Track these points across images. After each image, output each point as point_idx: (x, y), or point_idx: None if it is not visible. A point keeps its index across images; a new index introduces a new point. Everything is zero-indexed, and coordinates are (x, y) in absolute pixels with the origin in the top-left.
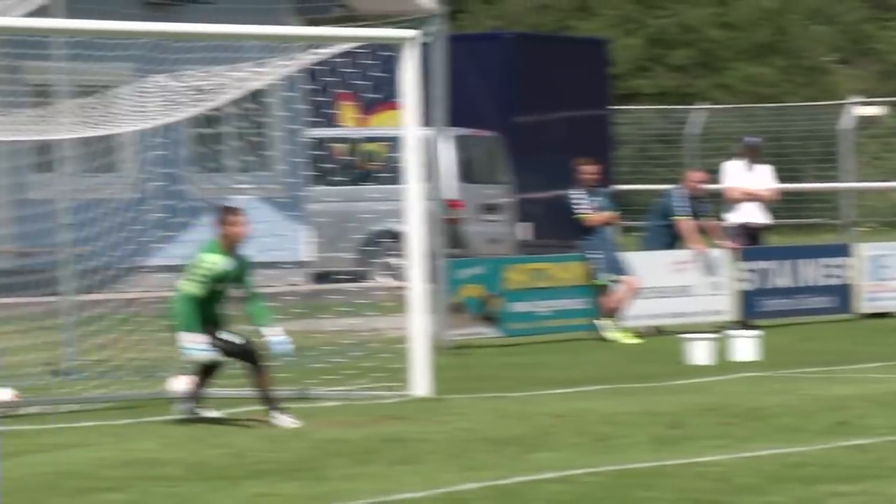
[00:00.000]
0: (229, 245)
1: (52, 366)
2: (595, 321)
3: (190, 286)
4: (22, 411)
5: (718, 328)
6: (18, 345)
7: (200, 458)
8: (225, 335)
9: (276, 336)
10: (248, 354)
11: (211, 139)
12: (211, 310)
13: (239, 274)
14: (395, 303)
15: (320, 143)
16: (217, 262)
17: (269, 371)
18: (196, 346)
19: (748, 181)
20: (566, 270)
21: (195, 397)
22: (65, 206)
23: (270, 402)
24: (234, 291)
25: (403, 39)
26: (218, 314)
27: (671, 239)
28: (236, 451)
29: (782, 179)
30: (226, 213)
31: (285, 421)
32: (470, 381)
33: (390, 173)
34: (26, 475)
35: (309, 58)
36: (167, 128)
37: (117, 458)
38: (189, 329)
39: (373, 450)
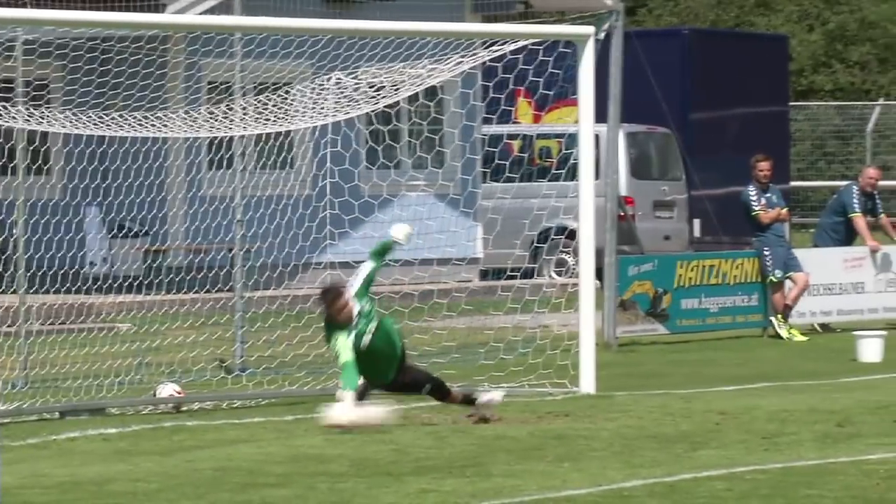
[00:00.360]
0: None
1: (222, 362)
2: (769, 318)
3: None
4: (186, 407)
5: (891, 325)
6: (189, 341)
7: (365, 454)
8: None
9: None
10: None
11: (386, 136)
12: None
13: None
14: (565, 299)
15: (495, 139)
16: (338, 344)
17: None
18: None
19: None
20: (737, 267)
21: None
22: (239, 202)
23: (468, 399)
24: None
25: (580, 36)
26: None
27: (845, 235)
28: (400, 448)
29: None
30: (324, 296)
31: (494, 395)
32: (637, 378)
33: (563, 170)
34: (191, 470)
35: (486, 54)
36: (343, 124)
37: (282, 454)
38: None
39: (537, 446)
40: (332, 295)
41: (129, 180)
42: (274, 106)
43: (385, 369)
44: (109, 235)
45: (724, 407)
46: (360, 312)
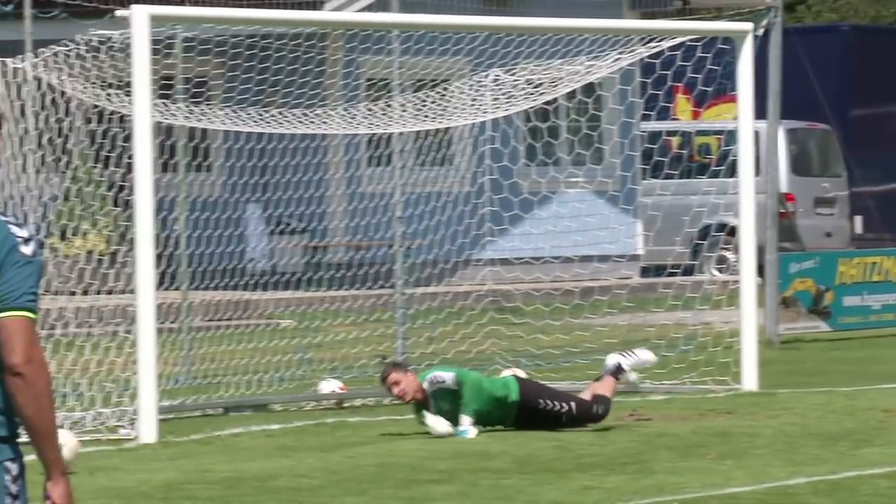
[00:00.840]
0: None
1: (384, 358)
2: None
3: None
4: (348, 403)
5: None
6: (350, 337)
7: (528, 450)
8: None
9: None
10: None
11: (545, 132)
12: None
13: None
14: (726, 296)
15: (653, 136)
16: (426, 421)
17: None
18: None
19: None
20: None
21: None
22: (398, 199)
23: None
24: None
25: (739, 32)
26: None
27: None
28: (563, 444)
29: None
30: (388, 372)
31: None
32: (799, 376)
33: (723, 166)
34: (354, 466)
35: (644, 51)
36: (501, 121)
37: (446, 450)
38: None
39: (700, 444)
40: (383, 374)
41: (290, 177)
42: (432, 103)
43: (503, 418)
44: (270, 232)
45: (888, 404)
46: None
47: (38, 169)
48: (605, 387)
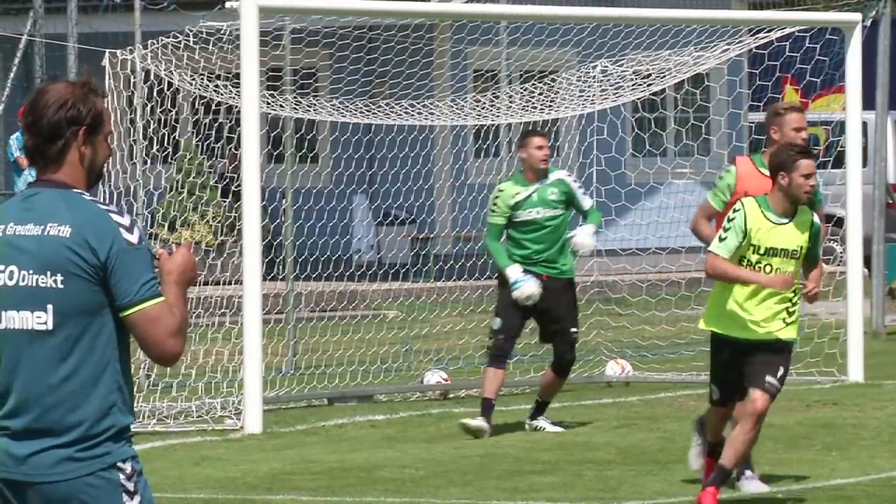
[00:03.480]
0: (529, 172)
1: (490, 350)
2: None
3: (490, 218)
4: (453, 394)
5: None
6: (456, 328)
7: (632, 441)
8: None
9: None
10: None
11: (652, 123)
12: (531, 247)
13: (541, 203)
14: (833, 288)
15: (762, 127)
16: (504, 188)
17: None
18: (519, 278)
19: None
20: None
21: None
22: None
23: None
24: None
25: (847, 23)
26: (538, 252)
27: None
28: (667, 436)
29: None
30: (522, 137)
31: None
32: None
33: (831, 157)
34: (459, 457)
35: (752, 41)
36: (609, 112)
37: (549, 441)
38: (505, 264)
39: (805, 435)
40: (526, 136)
41: (396, 168)
42: (540, 94)
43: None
44: (376, 223)
45: None
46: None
47: (145, 160)
48: None
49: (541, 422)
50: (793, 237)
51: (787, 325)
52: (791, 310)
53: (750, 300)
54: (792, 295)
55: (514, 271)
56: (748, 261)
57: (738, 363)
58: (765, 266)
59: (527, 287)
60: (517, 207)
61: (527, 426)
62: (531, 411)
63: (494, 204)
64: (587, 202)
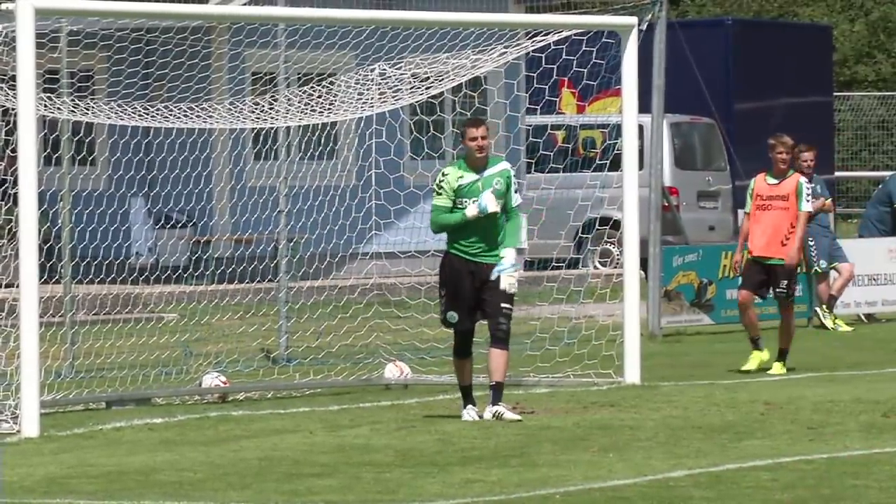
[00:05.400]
0: (471, 160)
1: (268, 352)
2: (814, 309)
3: (434, 199)
4: (231, 397)
5: None
6: (235, 331)
7: (411, 444)
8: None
9: (504, 265)
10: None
11: (431, 126)
12: (472, 235)
13: (478, 190)
14: (610, 290)
15: (539, 130)
16: (448, 172)
17: None
18: (478, 203)
19: None
20: None
21: None
22: (284, 193)
23: None
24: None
25: (623, 26)
26: (479, 239)
27: (891, 225)
28: (446, 438)
29: None
30: (461, 126)
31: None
32: (681, 369)
33: (607, 160)
34: (237, 460)
35: (529, 45)
36: (387, 115)
37: (328, 444)
38: (460, 216)
39: (583, 437)
40: (467, 125)
41: (175, 171)
42: (318, 97)
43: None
44: (155, 226)
45: (769, 397)
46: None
47: None
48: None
49: (500, 408)
50: None
51: None
52: None
53: None
54: None
55: (471, 208)
56: None
57: None
58: None
59: (485, 198)
60: (460, 193)
61: (486, 415)
62: (489, 398)
63: (440, 186)
64: (516, 199)
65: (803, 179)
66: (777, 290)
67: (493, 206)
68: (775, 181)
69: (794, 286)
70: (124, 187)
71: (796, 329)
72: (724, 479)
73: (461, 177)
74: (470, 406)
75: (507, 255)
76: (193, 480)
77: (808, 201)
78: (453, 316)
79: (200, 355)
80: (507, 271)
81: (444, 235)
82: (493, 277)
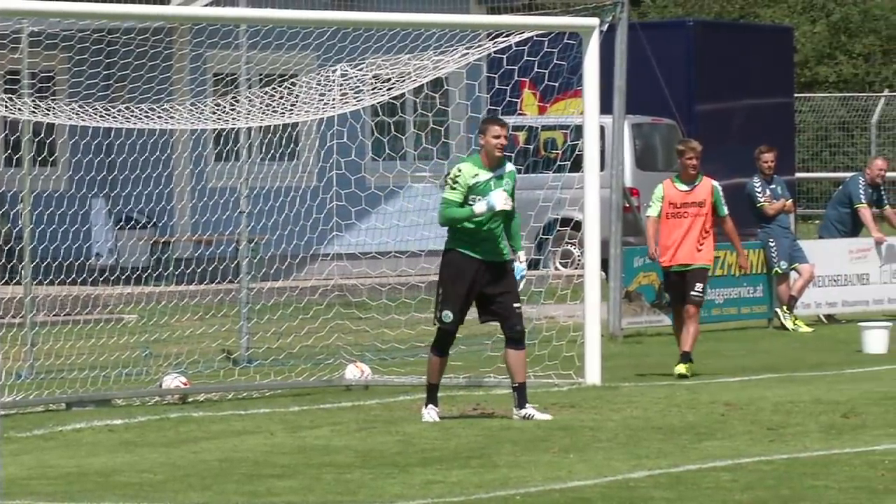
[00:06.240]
0: (485, 157)
1: (229, 353)
2: (774, 309)
3: (446, 193)
4: (192, 398)
5: (894, 317)
6: (195, 332)
7: (371, 445)
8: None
9: (519, 263)
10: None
11: (392, 127)
12: (479, 230)
13: (490, 189)
14: (570, 291)
15: None
16: (463, 168)
17: None
18: (487, 199)
19: None
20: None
21: None
22: (245, 194)
23: None
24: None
25: (585, 27)
26: (484, 236)
27: (851, 227)
28: (406, 439)
29: None
30: (483, 124)
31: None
32: (642, 370)
33: (568, 161)
34: (197, 461)
35: (491, 46)
36: (349, 116)
37: (288, 445)
38: (469, 210)
39: (543, 438)
40: (486, 122)
41: (136, 172)
42: (280, 98)
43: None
44: (116, 227)
45: (729, 398)
46: None
47: None
48: None
49: (529, 409)
50: None
51: None
52: None
53: None
54: None
55: (479, 205)
56: None
57: None
58: None
59: (495, 196)
60: (473, 190)
61: (515, 416)
62: (515, 401)
63: (455, 181)
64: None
65: (716, 183)
66: (692, 293)
67: (502, 204)
68: (686, 187)
69: (706, 291)
70: (85, 188)
71: (756, 329)
72: (685, 479)
73: (476, 175)
74: (432, 406)
75: (522, 257)
76: (154, 482)
77: (724, 205)
78: (448, 315)
79: (161, 356)
80: (525, 273)
81: (431, 234)
82: (518, 278)
